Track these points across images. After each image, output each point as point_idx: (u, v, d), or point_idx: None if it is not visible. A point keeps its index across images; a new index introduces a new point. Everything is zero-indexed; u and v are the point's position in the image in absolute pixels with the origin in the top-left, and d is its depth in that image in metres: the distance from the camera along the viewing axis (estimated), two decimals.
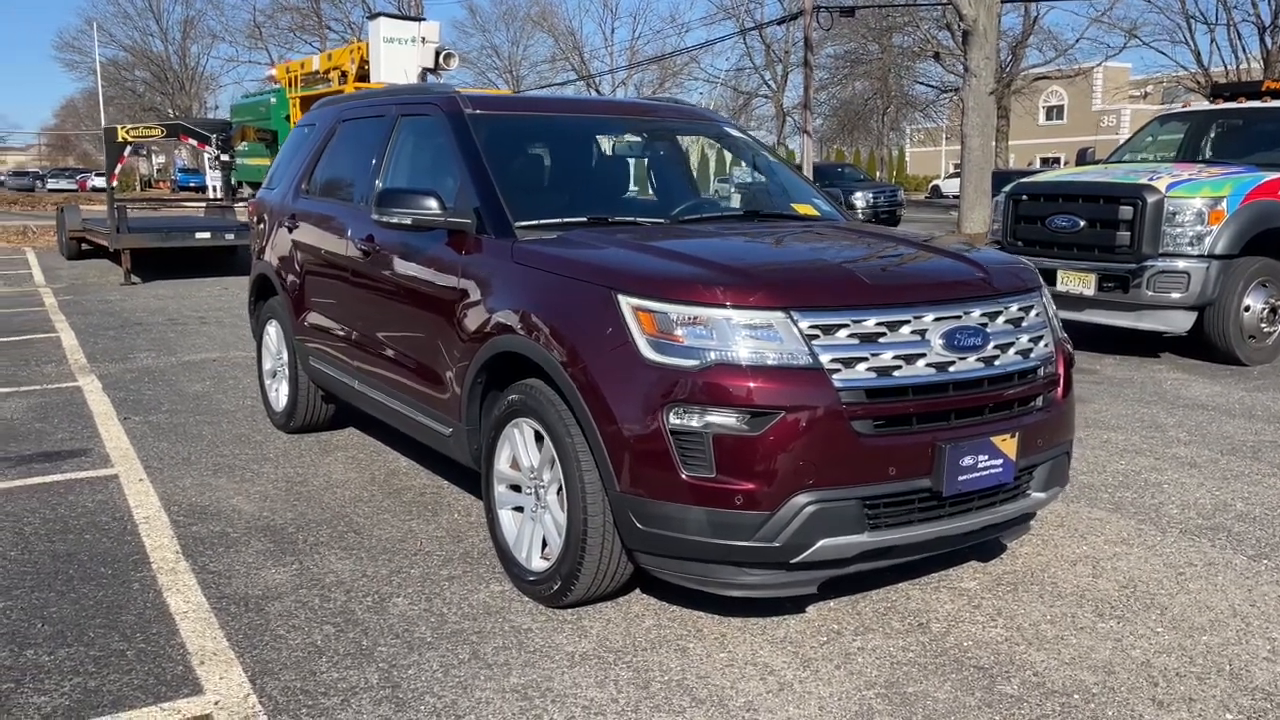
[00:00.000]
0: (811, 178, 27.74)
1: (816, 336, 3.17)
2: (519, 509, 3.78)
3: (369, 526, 4.49)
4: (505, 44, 64.92)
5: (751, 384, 3.12)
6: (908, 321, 3.30)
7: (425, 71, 17.29)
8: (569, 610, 3.62)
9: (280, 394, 6.03)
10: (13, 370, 8.03)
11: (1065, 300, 8.60)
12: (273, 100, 27.50)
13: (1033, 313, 3.68)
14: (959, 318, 3.40)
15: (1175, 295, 8.05)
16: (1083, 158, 10.64)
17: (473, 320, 3.89)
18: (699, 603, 3.60)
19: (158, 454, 5.65)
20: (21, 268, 16.75)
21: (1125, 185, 8.35)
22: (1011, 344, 3.52)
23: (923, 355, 3.29)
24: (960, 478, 3.30)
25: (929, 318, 3.34)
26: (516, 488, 3.78)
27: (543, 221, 3.99)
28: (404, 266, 4.42)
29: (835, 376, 3.16)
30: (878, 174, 55.03)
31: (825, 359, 3.16)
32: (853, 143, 64.21)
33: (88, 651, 3.31)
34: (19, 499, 4.85)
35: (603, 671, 3.19)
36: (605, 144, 4.94)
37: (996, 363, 3.45)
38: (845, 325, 3.21)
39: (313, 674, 3.17)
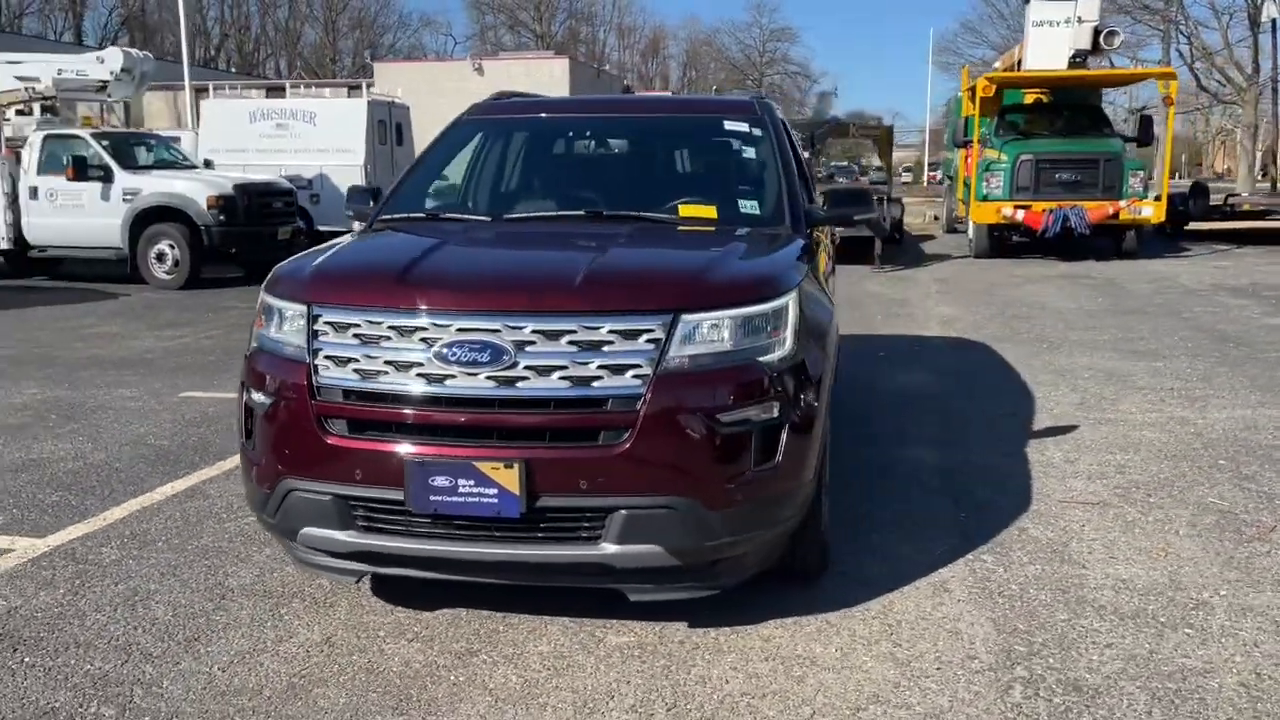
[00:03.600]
0: None
1: (326, 333, 3.29)
2: None
3: None
4: None
5: (262, 371, 3.40)
6: (424, 328, 3.19)
7: (1080, 54, 15.94)
8: None
9: None
10: None
11: None
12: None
13: (641, 339, 3.13)
14: (495, 331, 3.13)
15: None
16: None
17: None
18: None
19: None
20: None
21: None
22: (561, 368, 3.11)
23: (419, 365, 3.17)
24: (432, 498, 3.12)
25: (453, 326, 3.17)
26: None
27: (393, 216, 4.41)
28: None
29: (323, 373, 3.26)
30: None
31: (321, 355, 3.27)
32: None
33: (43, 492, 4.87)
34: None
35: (186, 603, 3.76)
36: (557, 145, 4.98)
37: (519, 385, 3.10)
38: (357, 325, 3.26)
39: (97, 549, 4.28)
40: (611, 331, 3.13)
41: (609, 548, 3.12)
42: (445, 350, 3.12)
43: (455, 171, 4.89)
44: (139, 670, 3.25)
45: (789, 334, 3.37)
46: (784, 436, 3.29)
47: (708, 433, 3.13)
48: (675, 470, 3.12)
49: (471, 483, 3.08)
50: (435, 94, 41.72)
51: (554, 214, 4.26)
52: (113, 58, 14.35)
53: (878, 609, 3.66)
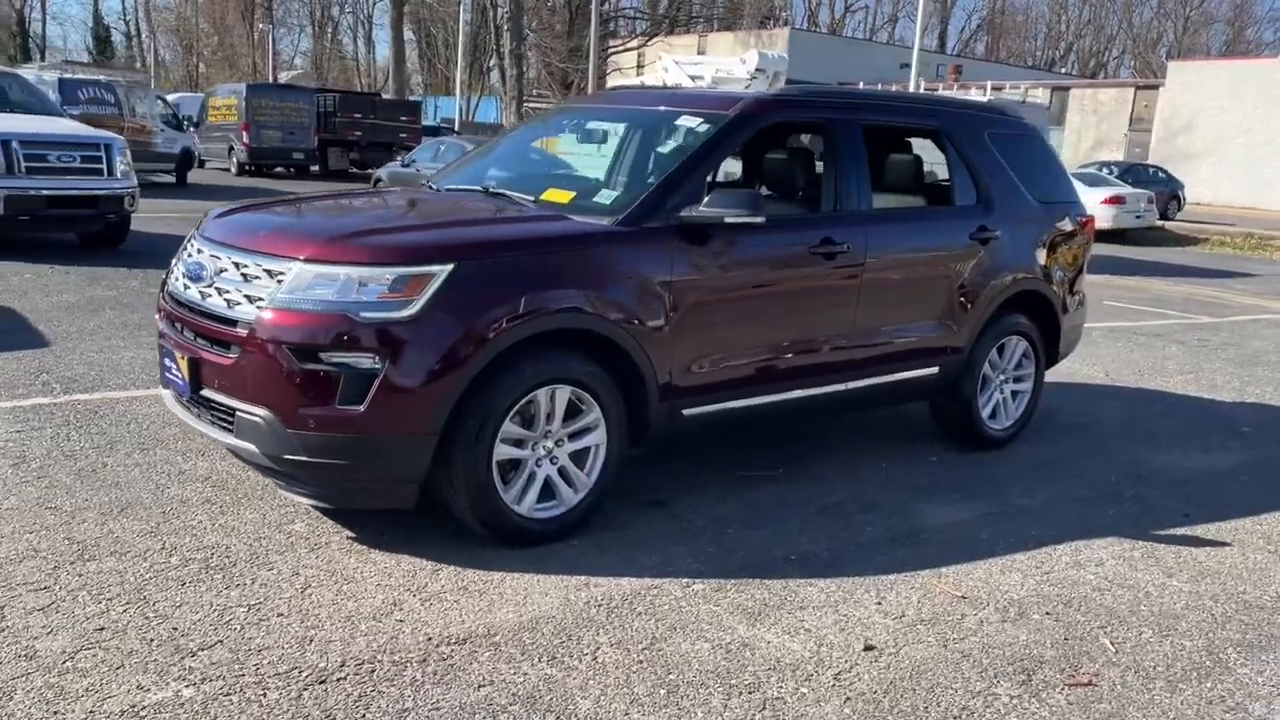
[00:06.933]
0: None
1: (187, 250, 4.61)
2: None
3: None
4: None
5: None
6: (202, 250, 4.34)
7: None
8: None
9: None
10: None
11: None
12: None
13: (275, 279, 3.89)
14: (216, 258, 4.15)
15: None
16: None
17: None
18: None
19: None
20: None
21: None
22: (228, 292, 4.02)
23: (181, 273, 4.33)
24: (165, 372, 4.29)
25: (206, 252, 4.25)
26: None
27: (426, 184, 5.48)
28: None
29: (169, 277, 4.57)
30: None
31: (175, 264, 4.59)
32: None
33: None
34: None
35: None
36: (549, 134, 5.32)
37: (208, 301, 4.08)
38: (200, 248, 4.48)
39: None
40: (263, 269, 3.92)
41: (232, 439, 3.96)
42: (187, 265, 4.22)
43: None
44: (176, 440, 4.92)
45: (422, 300, 3.77)
46: (375, 386, 3.73)
47: (291, 363, 3.75)
48: (264, 387, 3.82)
49: (173, 366, 4.16)
50: (1233, 95, 37.60)
51: (463, 188, 4.93)
52: (751, 59, 16.46)
53: (473, 578, 3.83)
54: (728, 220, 4.30)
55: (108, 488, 4.47)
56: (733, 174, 6.59)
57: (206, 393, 4.01)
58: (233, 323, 3.90)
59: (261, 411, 3.80)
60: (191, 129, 27.37)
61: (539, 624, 3.49)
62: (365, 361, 3.71)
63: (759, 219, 4.31)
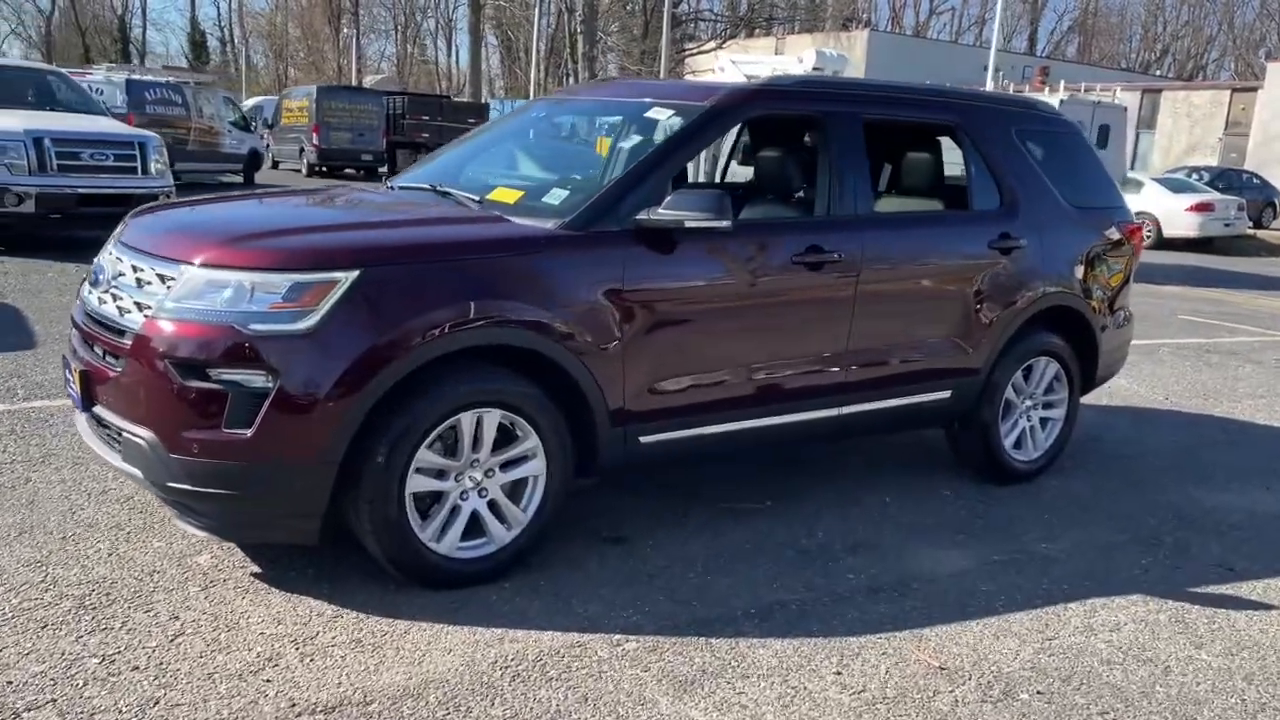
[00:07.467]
0: None
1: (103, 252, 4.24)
2: None
3: None
4: None
5: None
6: (111, 252, 3.96)
7: None
8: None
9: None
10: None
11: None
12: None
13: (165, 284, 3.48)
14: (119, 260, 3.77)
15: None
16: None
17: None
18: None
19: None
20: None
21: None
22: (122, 298, 3.62)
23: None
24: (68, 387, 3.92)
25: (115, 254, 3.89)
26: None
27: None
28: None
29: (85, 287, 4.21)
30: None
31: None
32: None
33: None
34: None
35: None
36: (522, 127, 4.83)
37: (103, 308, 3.69)
38: (111, 249, 4.13)
39: None
40: (156, 274, 3.52)
41: (119, 462, 3.56)
42: (93, 268, 3.84)
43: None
44: None
45: (322, 311, 3.33)
46: (265, 408, 3.30)
47: (174, 379, 3.34)
48: (145, 406, 3.41)
49: (71, 378, 3.79)
50: None
51: (413, 186, 4.48)
52: (809, 58, 15.84)
53: (352, 618, 3.38)
54: (689, 224, 3.78)
55: (19, 507, 4.12)
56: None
57: (98, 410, 3.61)
58: (121, 332, 3.51)
59: (144, 433, 3.39)
60: (265, 130, 27.61)
61: (426, 689, 3.02)
62: (256, 380, 3.28)
63: (724, 223, 3.78)
